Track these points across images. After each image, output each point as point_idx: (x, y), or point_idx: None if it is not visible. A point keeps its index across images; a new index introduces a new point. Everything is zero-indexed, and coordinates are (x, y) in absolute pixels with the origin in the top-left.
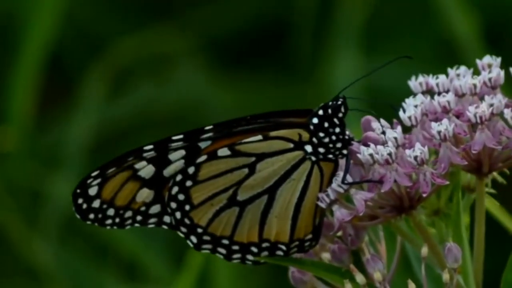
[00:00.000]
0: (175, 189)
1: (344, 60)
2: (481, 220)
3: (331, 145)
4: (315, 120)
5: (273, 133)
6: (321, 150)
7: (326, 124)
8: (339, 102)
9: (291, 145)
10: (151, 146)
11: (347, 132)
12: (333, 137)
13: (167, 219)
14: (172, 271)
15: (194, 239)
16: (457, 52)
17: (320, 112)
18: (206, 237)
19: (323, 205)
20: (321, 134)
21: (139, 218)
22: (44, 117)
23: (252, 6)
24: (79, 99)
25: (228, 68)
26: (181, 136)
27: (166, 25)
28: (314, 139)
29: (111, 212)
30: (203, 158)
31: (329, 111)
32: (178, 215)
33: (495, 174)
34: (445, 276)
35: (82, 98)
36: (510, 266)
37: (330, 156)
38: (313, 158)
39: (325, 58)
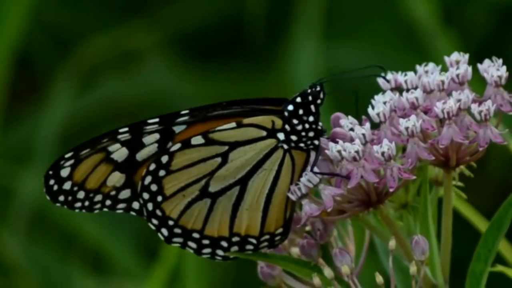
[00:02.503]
0: (148, 179)
1: (306, 46)
2: (448, 213)
3: (303, 133)
4: (290, 107)
5: (246, 120)
6: (293, 137)
7: (300, 111)
8: (318, 88)
9: (264, 133)
10: (126, 129)
11: (320, 123)
12: (306, 125)
13: (136, 205)
14: (139, 262)
15: (165, 232)
16: (418, 35)
17: (298, 99)
18: (177, 230)
19: (293, 197)
20: (295, 121)
21: (108, 202)
22: (13, 114)
23: None
24: (49, 95)
25: (196, 61)
26: (156, 120)
27: (136, 22)
28: (287, 126)
29: (81, 195)
30: (176, 146)
31: (309, 97)
32: (150, 206)
33: (462, 167)
34: (413, 268)
35: (52, 95)
36: (476, 258)
37: (302, 145)
38: (285, 146)
39: (288, 46)
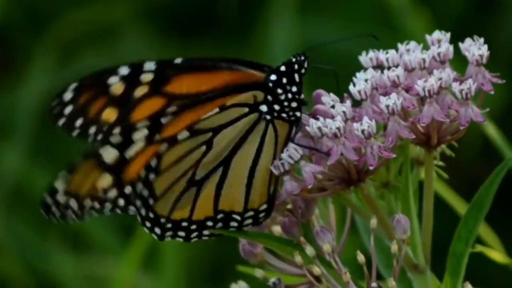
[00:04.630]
0: (140, 186)
1: (282, 22)
2: (429, 193)
3: (286, 103)
4: (273, 77)
5: (229, 102)
6: (276, 107)
7: (284, 80)
8: (303, 58)
9: (246, 110)
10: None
11: (302, 95)
12: (289, 95)
13: (121, 202)
14: (118, 239)
15: (158, 230)
16: (392, 13)
17: (282, 68)
18: (168, 225)
19: (276, 172)
20: (279, 91)
21: (97, 205)
22: None
23: None
24: (26, 71)
25: (173, 36)
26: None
27: None
28: (269, 97)
29: (74, 204)
30: (164, 147)
31: (295, 66)
32: (143, 211)
33: (443, 146)
34: (394, 247)
35: (29, 70)
36: (457, 238)
37: (284, 115)
38: (268, 117)
39: (264, 21)
